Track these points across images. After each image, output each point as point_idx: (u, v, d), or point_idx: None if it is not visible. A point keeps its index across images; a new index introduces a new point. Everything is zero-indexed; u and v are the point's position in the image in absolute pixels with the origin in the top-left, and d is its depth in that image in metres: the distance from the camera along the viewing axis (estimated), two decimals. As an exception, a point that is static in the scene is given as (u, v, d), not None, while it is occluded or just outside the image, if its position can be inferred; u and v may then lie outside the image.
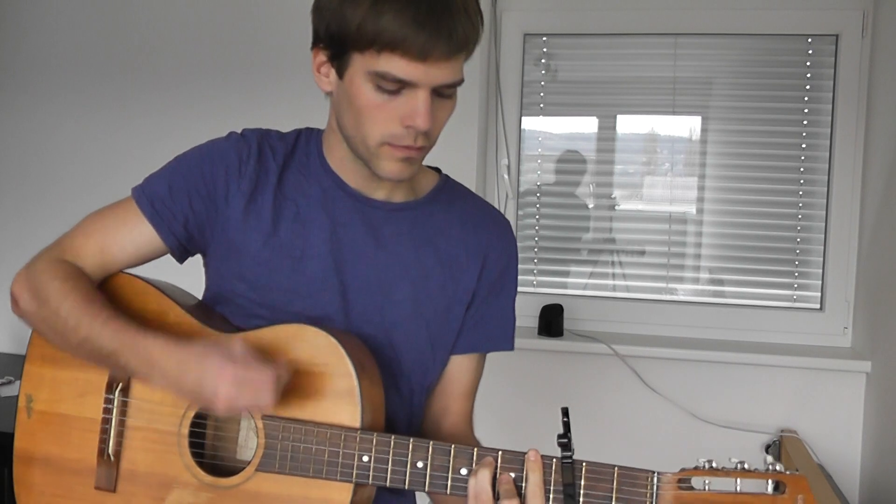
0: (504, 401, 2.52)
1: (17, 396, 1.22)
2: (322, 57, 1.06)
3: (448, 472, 1.02)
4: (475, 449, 1.02)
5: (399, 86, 1.00)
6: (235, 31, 2.65)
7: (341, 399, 1.06)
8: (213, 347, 1.03)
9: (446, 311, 1.20)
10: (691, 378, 2.47)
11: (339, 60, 1.04)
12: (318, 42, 1.06)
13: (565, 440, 0.98)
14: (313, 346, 1.07)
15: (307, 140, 1.19)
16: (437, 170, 1.26)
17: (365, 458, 1.04)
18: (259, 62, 2.63)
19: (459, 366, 1.25)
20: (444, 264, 1.19)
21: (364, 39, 0.98)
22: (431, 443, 1.03)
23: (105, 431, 1.15)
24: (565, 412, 1.01)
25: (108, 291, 1.17)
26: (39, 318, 1.13)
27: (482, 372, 1.29)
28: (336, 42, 1.02)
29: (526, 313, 2.54)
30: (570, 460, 0.98)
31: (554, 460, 0.99)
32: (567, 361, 2.54)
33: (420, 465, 1.03)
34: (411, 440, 1.03)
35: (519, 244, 2.61)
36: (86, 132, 2.74)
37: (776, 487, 0.93)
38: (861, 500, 2.34)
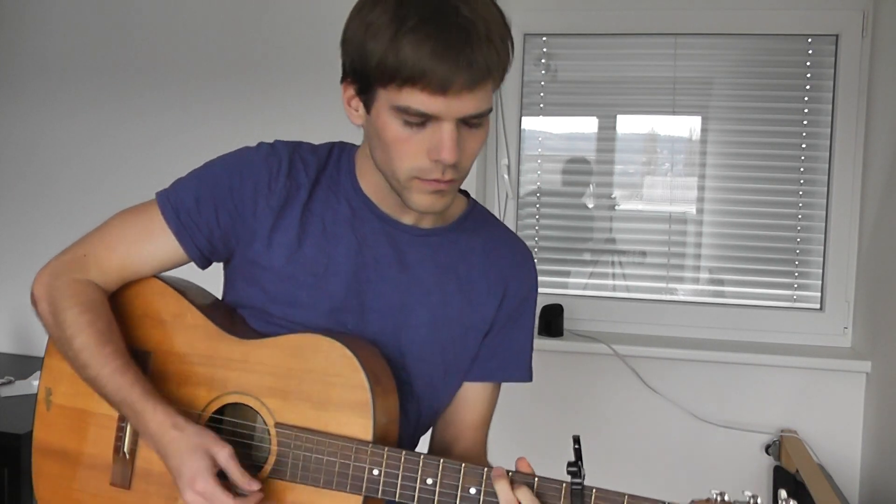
0: (504, 401, 2.51)
1: (36, 391, 1.25)
2: (351, 91, 1.06)
3: (457, 491, 1.02)
4: (485, 469, 1.01)
5: (423, 119, 0.98)
6: (233, 31, 2.64)
7: (354, 411, 1.06)
8: (200, 450, 1.04)
9: (462, 338, 1.19)
10: (691, 378, 2.47)
11: (365, 95, 1.03)
12: (345, 76, 1.05)
13: (575, 468, 0.97)
14: (328, 356, 1.07)
15: (339, 156, 1.17)
16: (466, 193, 1.24)
17: (375, 472, 1.04)
18: (257, 63, 2.62)
19: (474, 394, 1.24)
20: (463, 291, 1.18)
21: (386, 74, 0.97)
22: (442, 460, 1.03)
23: (121, 429, 1.17)
24: (577, 440, 1.01)
25: (128, 292, 1.19)
26: (55, 335, 1.16)
27: (496, 401, 1.28)
28: (361, 77, 1.01)
29: (526, 313, 2.53)
30: (579, 486, 0.97)
31: (563, 485, 0.99)
32: (567, 361, 2.54)
33: (429, 481, 1.02)
34: (422, 457, 1.03)
35: (519, 244, 2.63)
36: (83, 131, 2.73)
37: None
38: (861, 500, 2.34)
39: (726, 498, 0.93)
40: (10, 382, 2.38)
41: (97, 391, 1.12)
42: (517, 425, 2.48)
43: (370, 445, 1.04)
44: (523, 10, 2.61)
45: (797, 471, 2.14)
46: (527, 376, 1.25)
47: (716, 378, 2.46)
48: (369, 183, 1.14)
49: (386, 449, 1.04)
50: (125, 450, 1.15)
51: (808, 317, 2.51)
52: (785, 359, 2.40)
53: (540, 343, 2.51)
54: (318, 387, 1.07)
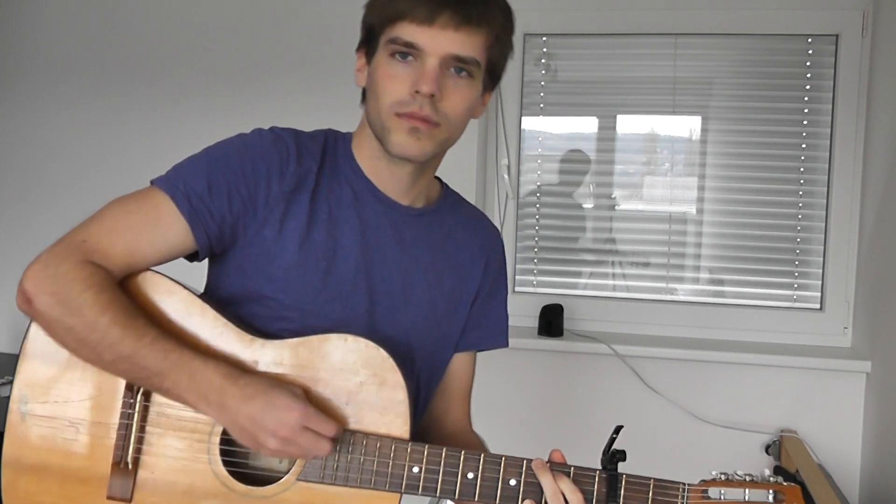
0: (504, 401, 2.52)
1: (9, 397, 1.13)
2: (362, 59, 1.14)
3: (498, 483, 1.05)
4: (525, 461, 1.06)
5: (410, 50, 1.05)
6: (228, 28, 2.64)
7: (391, 410, 1.07)
8: (278, 383, 1.03)
9: (454, 311, 1.24)
10: (691, 378, 2.47)
11: (370, 48, 1.11)
12: (360, 45, 1.15)
13: (621, 456, 1.07)
14: (363, 356, 1.07)
15: (335, 142, 1.19)
16: (438, 178, 1.30)
17: (415, 469, 1.05)
18: (252, 59, 2.62)
19: (461, 364, 1.29)
20: (452, 267, 1.23)
21: (385, 17, 1.07)
22: (483, 455, 1.06)
23: (122, 437, 1.09)
24: (617, 430, 1.11)
25: (130, 288, 1.10)
26: (64, 326, 1.04)
27: (475, 369, 1.34)
28: (370, 33, 1.11)
29: (526, 313, 2.54)
30: (615, 473, 1.05)
31: (596, 473, 1.06)
32: (567, 361, 2.54)
33: (470, 475, 1.05)
34: (463, 452, 1.06)
35: (519, 244, 2.64)
36: (79, 127, 2.74)
37: (775, 496, 1.04)
38: (861, 500, 2.34)
39: (727, 476, 1.05)
40: (10, 382, 2.38)
41: (125, 372, 1.06)
42: (517, 425, 2.48)
43: (409, 443, 1.06)
44: (523, 10, 2.58)
45: (797, 471, 2.14)
46: (506, 342, 1.32)
47: (716, 378, 2.46)
48: (367, 159, 1.17)
49: (427, 446, 1.06)
50: (128, 459, 1.08)
51: (807, 317, 2.51)
52: (785, 359, 2.41)
53: (540, 343, 2.53)
54: (349, 387, 1.07)
